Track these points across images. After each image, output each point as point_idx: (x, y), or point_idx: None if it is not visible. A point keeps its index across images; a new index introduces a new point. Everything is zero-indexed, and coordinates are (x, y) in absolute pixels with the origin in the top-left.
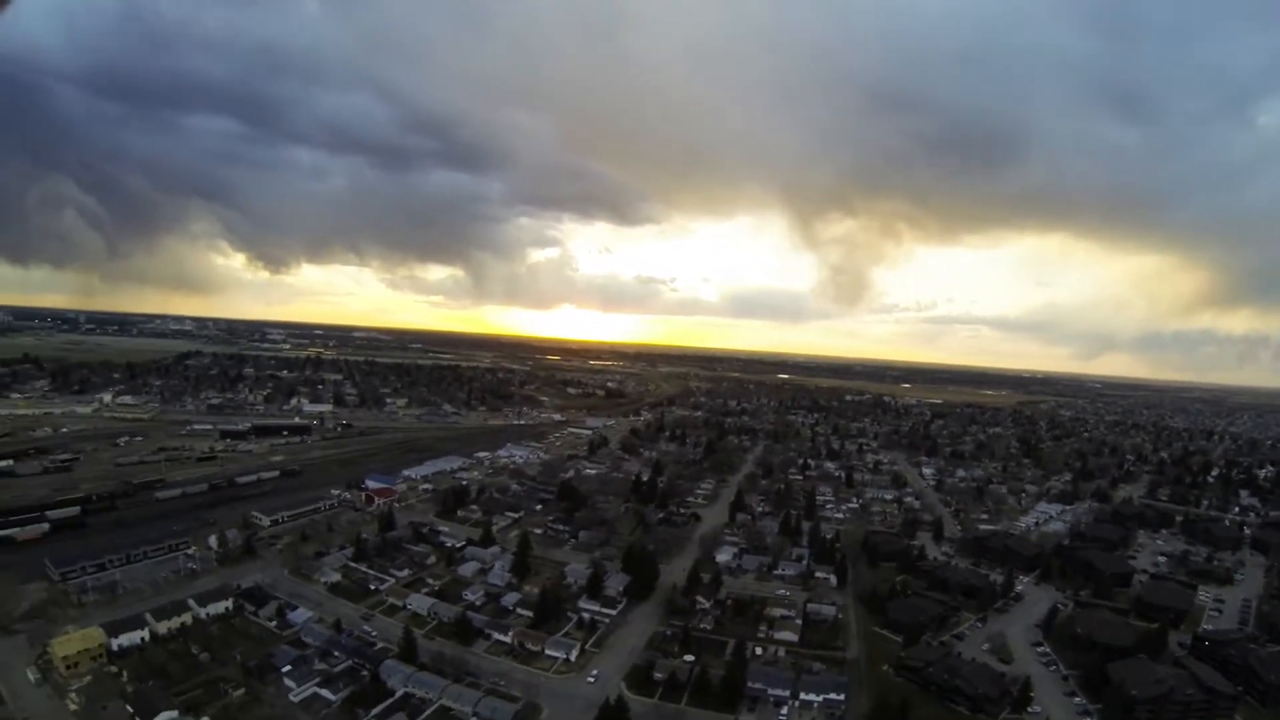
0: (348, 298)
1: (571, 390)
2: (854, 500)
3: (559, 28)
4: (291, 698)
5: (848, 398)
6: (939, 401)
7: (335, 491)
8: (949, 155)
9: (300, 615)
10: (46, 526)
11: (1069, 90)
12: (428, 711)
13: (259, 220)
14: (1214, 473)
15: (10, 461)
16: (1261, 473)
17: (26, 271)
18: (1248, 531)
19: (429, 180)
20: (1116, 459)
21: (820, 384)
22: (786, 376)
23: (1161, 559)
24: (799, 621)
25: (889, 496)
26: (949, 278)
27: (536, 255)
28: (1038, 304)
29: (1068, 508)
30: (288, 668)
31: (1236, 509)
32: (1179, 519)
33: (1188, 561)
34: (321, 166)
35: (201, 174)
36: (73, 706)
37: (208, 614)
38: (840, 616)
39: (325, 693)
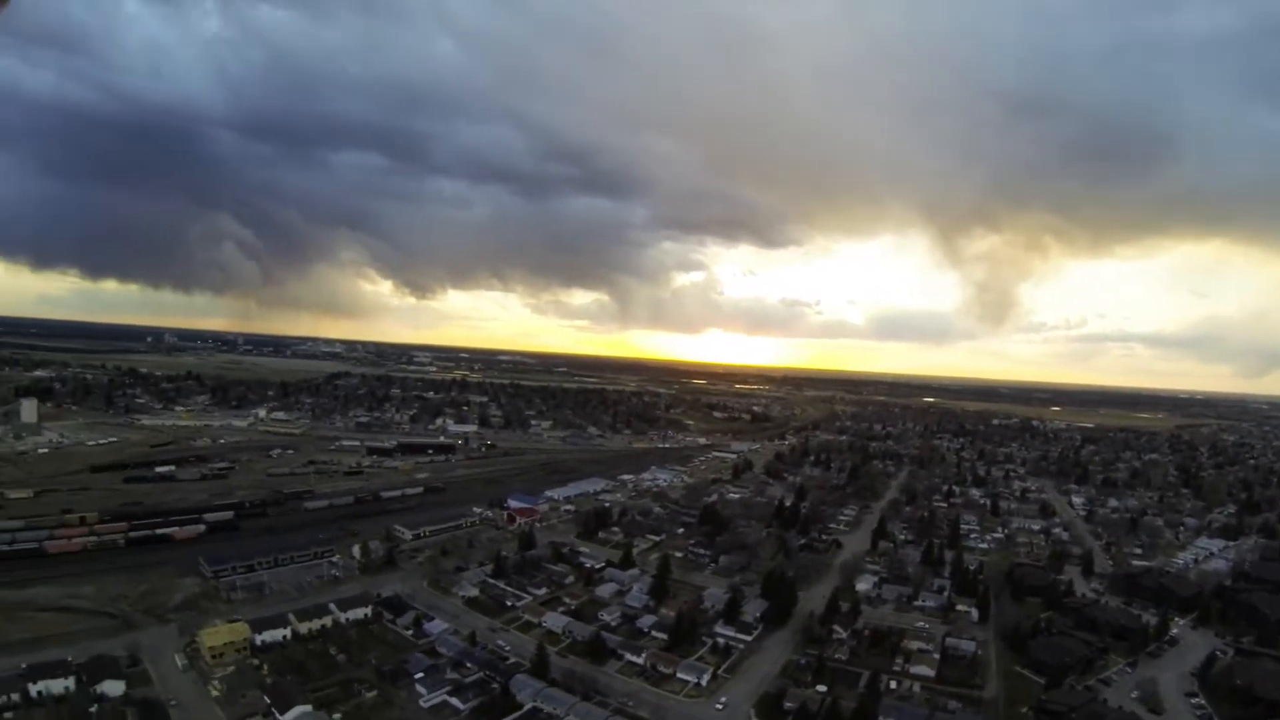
0: (493, 322)
1: (716, 414)
2: (999, 530)
3: (691, 52)
4: (421, 703)
5: (994, 422)
6: (1090, 425)
7: (477, 509)
8: (1094, 161)
9: (436, 626)
10: (202, 528)
11: (1220, 78)
12: None
13: (404, 248)
14: None
15: (172, 467)
16: None
17: (190, 298)
18: None
19: (570, 206)
20: None
21: (966, 407)
22: (932, 400)
23: None
24: (937, 656)
25: (1036, 527)
26: (1100, 292)
27: (681, 279)
28: (1196, 318)
29: (1231, 544)
30: (420, 674)
31: None
32: None
33: None
34: (464, 196)
35: (349, 206)
36: (214, 692)
37: (347, 618)
38: (980, 653)
39: (455, 701)
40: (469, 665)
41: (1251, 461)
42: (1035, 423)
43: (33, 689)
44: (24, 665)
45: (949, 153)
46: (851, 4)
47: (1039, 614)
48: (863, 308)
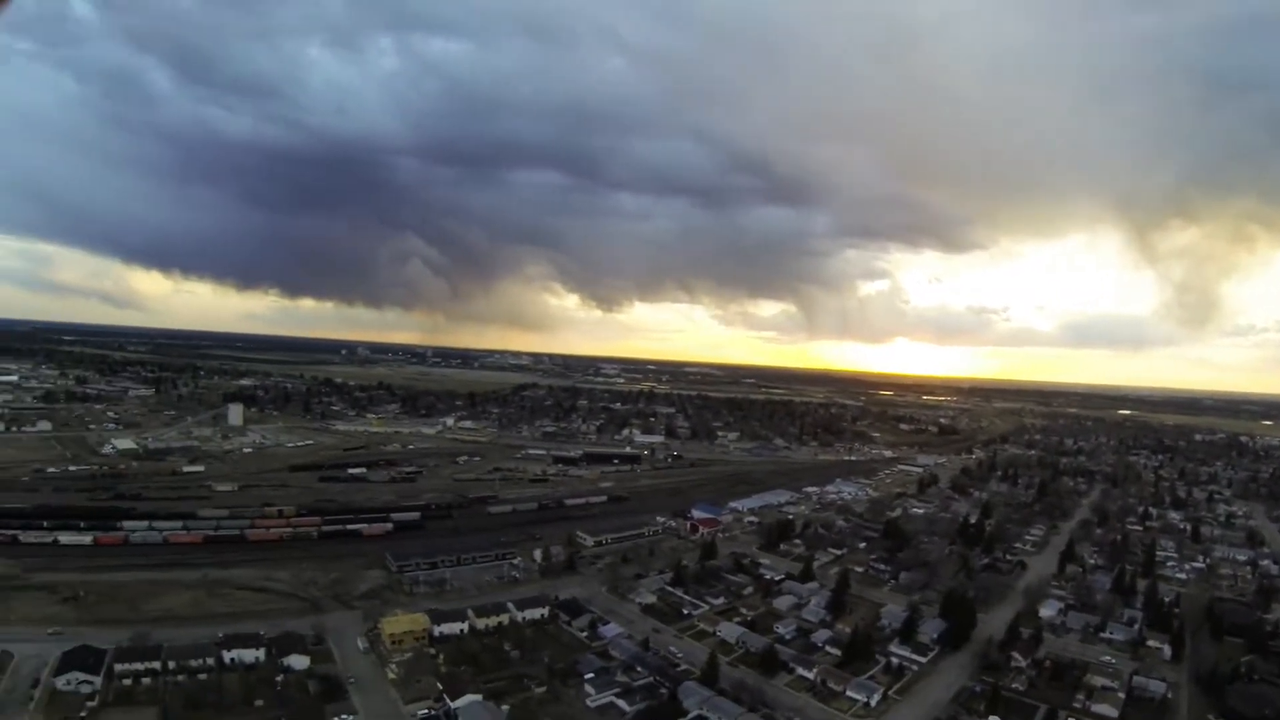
0: (679, 334)
1: (903, 426)
2: (1200, 559)
3: (854, 54)
4: (589, 703)
5: (1197, 437)
6: None
7: (660, 519)
8: None
9: (611, 630)
10: (390, 526)
11: None
12: None
13: (588, 262)
14: None
15: (364, 470)
16: None
17: (381, 313)
18: None
19: (753, 217)
20: None
21: (1165, 420)
22: (1128, 412)
23: None
24: (1122, 695)
25: (1242, 557)
26: None
27: (865, 288)
28: None
29: None
30: (590, 675)
31: None
32: None
33: None
34: (646, 210)
35: (531, 223)
36: (391, 675)
37: (524, 618)
38: (1170, 695)
39: (622, 703)
40: (639, 669)
41: None
42: (1244, 439)
43: (227, 656)
44: (221, 635)
45: (1138, 139)
46: None
47: (1240, 657)
48: (1052, 313)
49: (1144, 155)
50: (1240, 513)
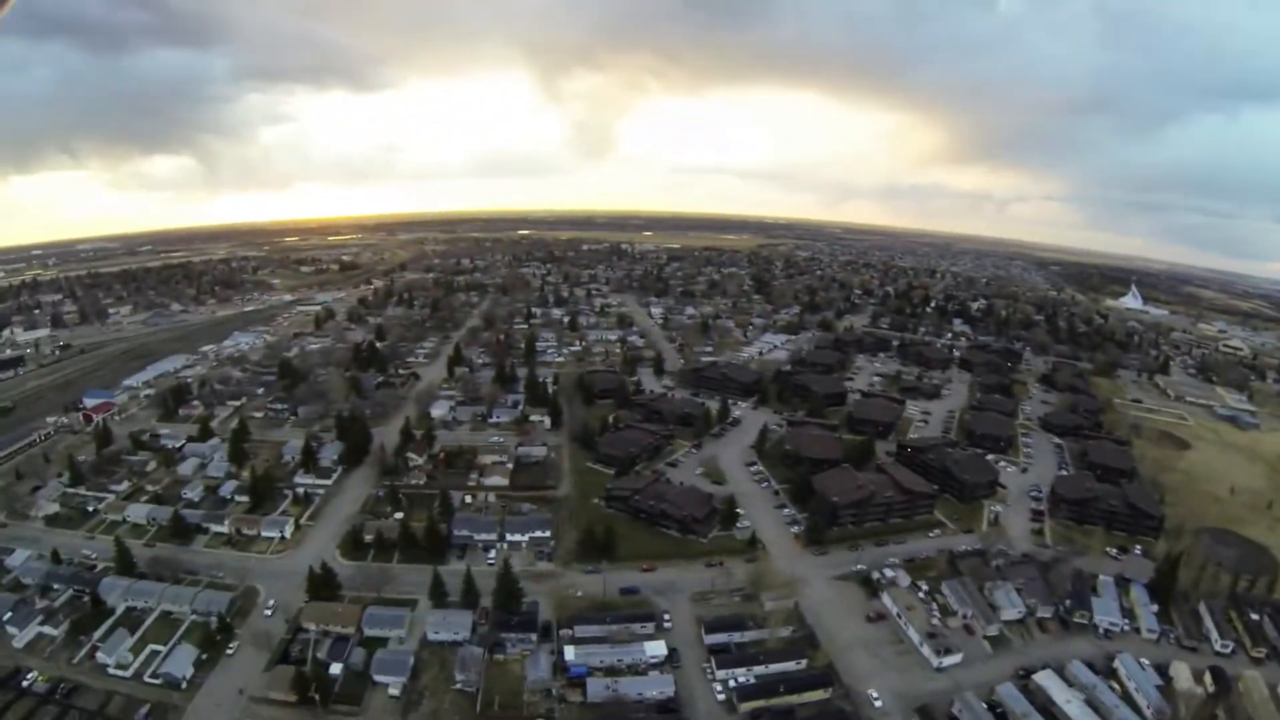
0: (67, 209)
1: (304, 269)
2: (577, 344)
3: None
4: (15, 644)
5: (584, 247)
6: (677, 246)
7: (51, 419)
8: (701, 10)
9: (17, 558)
10: None
11: None
12: (149, 621)
13: None
14: (932, 304)
15: None
16: (974, 305)
17: None
18: (957, 353)
19: (145, 60)
20: (844, 293)
21: (560, 236)
22: (526, 232)
23: (877, 379)
24: (510, 466)
25: (613, 337)
26: (698, 129)
27: (269, 134)
28: (783, 155)
29: (793, 338)
30: (8, 615)
31: (949, 335)
32: (895, 344)
33: (900, 380)
34: (20, 59)
35: None
36: None
37: None
38: (553, 456)
39: (48, 629)
40: (56, 587)
41: (819, 272)
42: (624, 246)
43: None
44: None
45: None
46: None
47: (611, 414)
48: (461, 148)
49: (557, 7)
50: (615, 303)
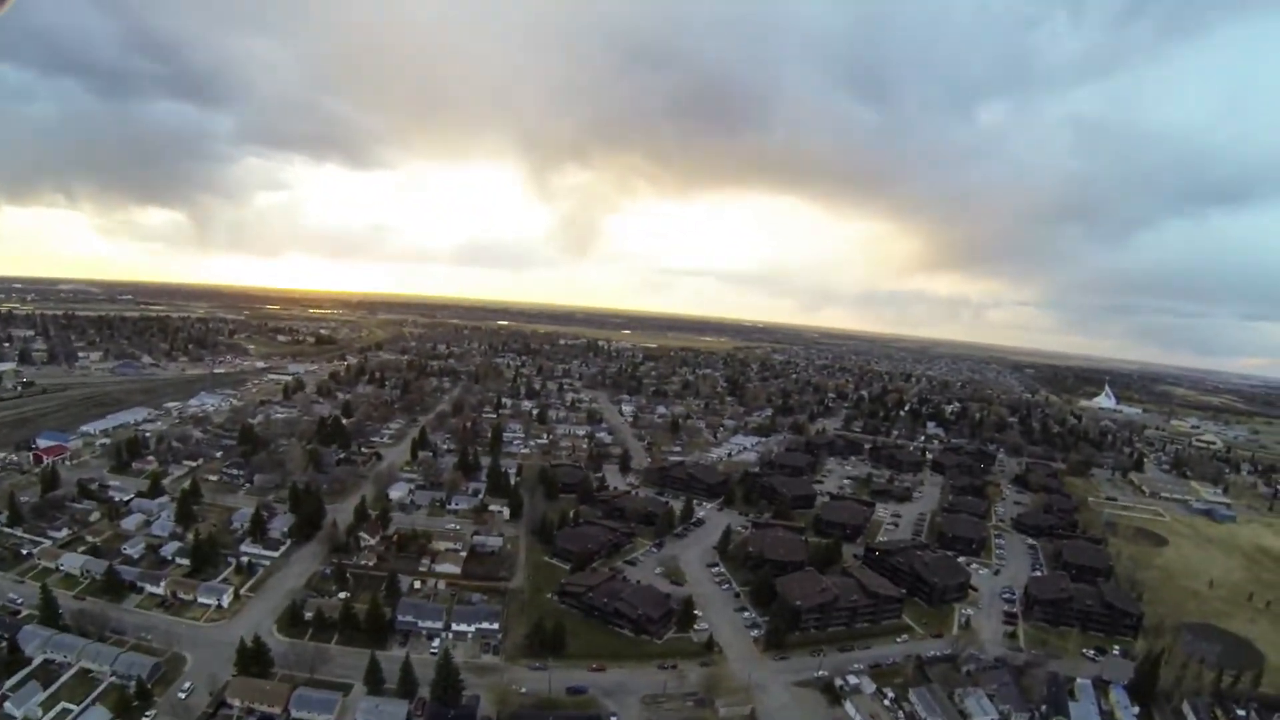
0: (55, 245)
1: (281, 338)
2: (544, 436)
3: None
4: None
5: (561, 341)
6: (654, 346)
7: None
8: (694, 115)
9: None
10: None
11: (817, 66)
12: (65, 676)
13: None
14: (906, 408)
15: None
16: (949, 408)
17: None
18: (929, 456)
19: (152, 111)
20: (819, 397)
21: (538, 329)
22: (505, 323)
23: (847, 482)
24: (464, 554)
25: (581, 433)
26: (682, 232)
27: (264, 199)
28: (766, 260)
29: (763, 440)
30: None
31: (922, 437)
32: (868, 447)
33: (871, 483)
34: (29, 88)
35: None
36: None
37: None
38: (509, 547)
39: None
40: None
41: (794, 376)
42: (602, 343)
43: None
44: None
45: (552, 88)
46: None
47: (573, 509)
48: (449, 234)
49: (554, 103)
50: (586, 399)
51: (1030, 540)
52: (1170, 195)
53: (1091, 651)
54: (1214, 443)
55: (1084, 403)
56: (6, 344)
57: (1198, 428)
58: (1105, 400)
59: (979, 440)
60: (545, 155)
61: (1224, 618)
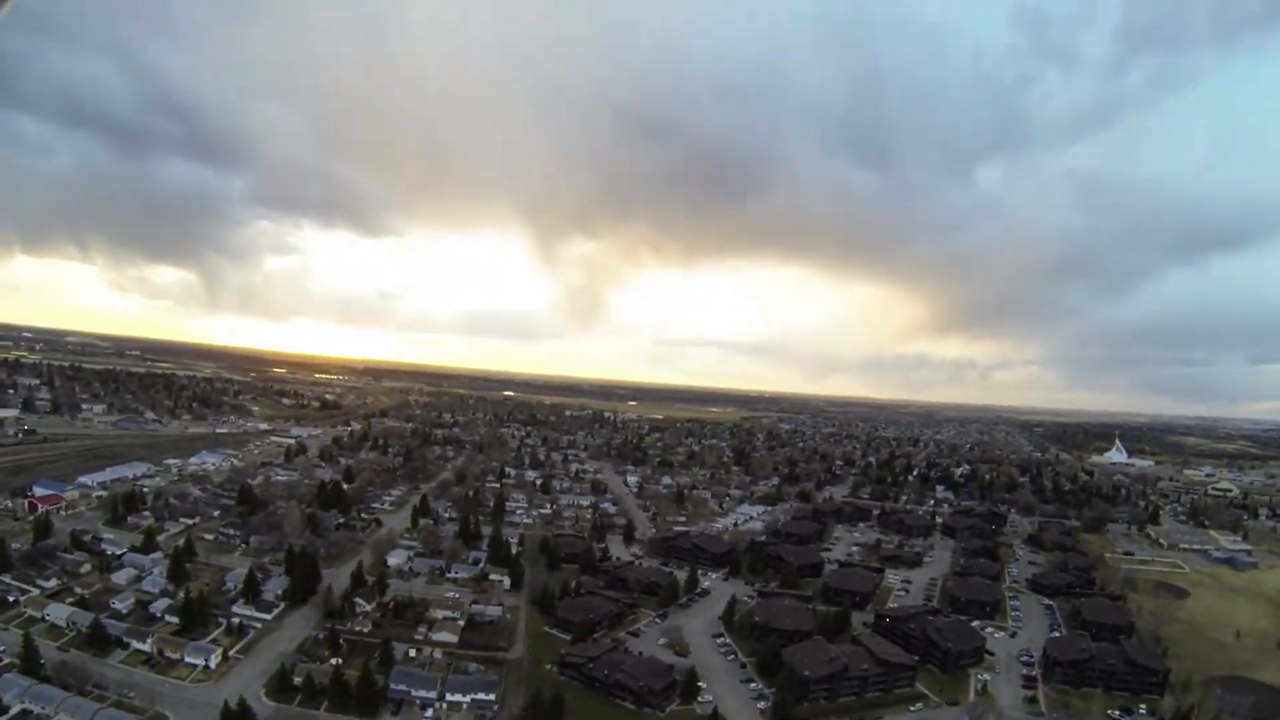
0: (66, 297)
1: (286, 401)
2: (547, 506)
3: (329, 20)
4: None
5: (567, 413)
6: (660, 417)
7: None
8: (698, 185)
9: None
10: None
11: (818, 133)
12: None
13: None
14: (914, 473)
15: None
16: (958, 470)
17: None
18: (939, 520)
19: (166, 170)
20: (825, 464)
21: (544, 400)
22: (511, 394)
23: (855, 549)
24: (461, 623)
25: (585, 502)
26: (687, 302)
27: (274, 263)
28: (771, 328)
29: (770, 509)
30: None
31: (932, 501)
32: (876, 513)
33: (880, 549)
34: (47, 142)
35: None
36: None
37: None
38: (508, 617)
39: None
40: None
41: (800, 444)
42: (607, 414)
43: None
44: None
45: (559, 157)
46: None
47: (574, 579)
48: (456, 303)
49: (560, 173)
50: (591, 469)
51: (1046, 600)
52: (1170, 243)
53: (1116, 712)
54: (1230, 489)
55: (1095, 458)
56: (11, 391)
57: (1212, 475)
58: (1117, 455)
59: (989, 502)
60: (551, 224)
61: (1254, 668)
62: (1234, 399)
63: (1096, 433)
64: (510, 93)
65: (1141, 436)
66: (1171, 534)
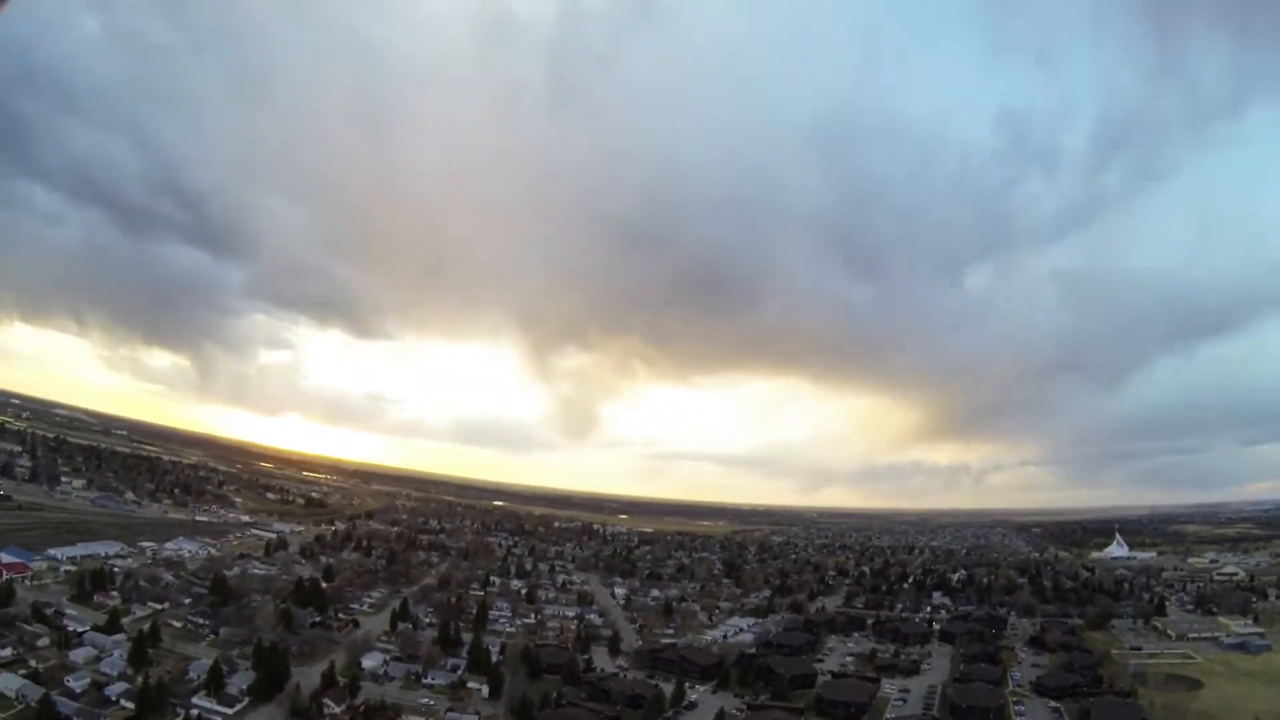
0: (58, 369)
1: (270, 495)
2: (531, 616)
3: (327, 112)
4: None
5: (556, 524)
6: (650, 530)
7: None
8: (691, 296)
9: None
10: None
11: (809, 243)
12: None
13: None
14: (909, 580)
15: None
16: (954, 576)
17: None
18: (936, 626)
19: (168, 253)
20: (818, 575)
21: (534, 511)
22: (501, 503)
23: (850, 659)
24: None
25: (570, 613)
26: (679, 415)
27: (267, 356)
28: (764, 441)
29: (760, 621)
30: None
31: (928, 608)
32: (870, 622)
33: (875, 658)
34: (58, 212)
35: None
36: None
37: None
38: None
39: None
40: None
41: (793, 556)
42: (596, 526)
43: None
44: None
45: (553, 268)
46: (499, 106)
47: (556, 690)
48: (447, 410)
49: (554, 283)
50: (577, 581)
51: (1053, 703)
52: (1157, 334)
53: None
54: (1236, 573)
55: (1095, 554)
56: None
57: (1216, 561)
58: (1117, 549)
59: (988, 605)
60: (545, 335)
61: None
62: (1230, 483)
63: (1095, 529)
64: (507, 197)
65: (1141, 529)
66: (1179, 624)
